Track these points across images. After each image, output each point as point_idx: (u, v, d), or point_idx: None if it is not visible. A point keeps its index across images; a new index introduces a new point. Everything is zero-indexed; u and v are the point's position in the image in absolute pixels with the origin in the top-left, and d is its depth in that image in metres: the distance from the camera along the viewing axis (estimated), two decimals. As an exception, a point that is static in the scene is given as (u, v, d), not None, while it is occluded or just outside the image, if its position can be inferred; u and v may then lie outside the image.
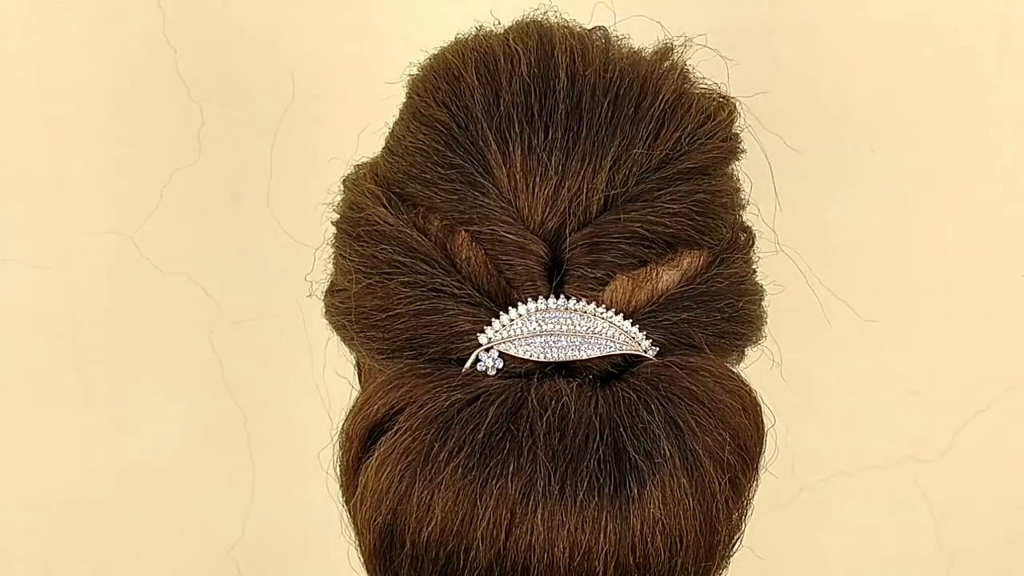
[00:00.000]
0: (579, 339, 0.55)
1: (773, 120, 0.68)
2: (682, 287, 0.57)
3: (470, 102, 0.57)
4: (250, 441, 1.12)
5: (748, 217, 0.62)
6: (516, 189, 0.55)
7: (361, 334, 0.57)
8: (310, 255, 0.64)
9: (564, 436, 0.52)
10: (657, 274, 0.57)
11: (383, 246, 0.57)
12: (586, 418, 0.53)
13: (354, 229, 0.58)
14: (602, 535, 0.52)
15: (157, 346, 1.10)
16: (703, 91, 0.60)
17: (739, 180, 0.61)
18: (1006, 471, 1.13)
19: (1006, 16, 1.04)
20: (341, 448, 0.57)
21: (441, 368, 0.55)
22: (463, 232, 0.56)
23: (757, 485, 0.57)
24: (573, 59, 0.57)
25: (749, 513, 0.57)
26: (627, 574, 0.53)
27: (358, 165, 0.62)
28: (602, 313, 0.55)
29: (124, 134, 1.06)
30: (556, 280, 0.55)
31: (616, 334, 0.55)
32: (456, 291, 0.55)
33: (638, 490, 0.52)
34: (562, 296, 0.55)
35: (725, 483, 0.54)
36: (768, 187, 0.65)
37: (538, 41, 0.58)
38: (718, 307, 0.57)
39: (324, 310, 0.62)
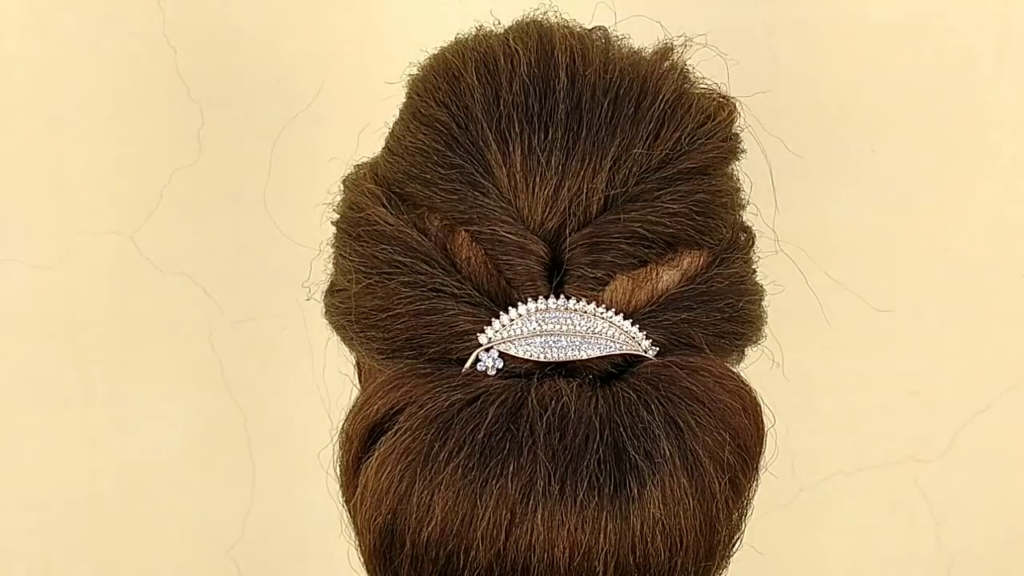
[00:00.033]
0: (579, 339, 0.54)
1: (773, 120, 0.68)
2: (682, 287, 0.57)
3: (470, 102, 0.57)
4: (250, 441, 1.12)
5: (748, 217, 0.62)
6: (516, 189, 0.55)
7: (361, 334, 0.57)
8: (310, 255, 0.64)
9: (564, 436, 0.52)
10: (657, 274, 0.57)
11: (383, 246, 0.56)
12: (586, 418, 0.53)
13: (354, 229, 0.58)
14: (602, 535, 0.52)
15: (157, 346, 1.10)
16: (703, 91, 0.60)
17: (739, 180, 0.61)
18: (1006, 471, 1.12)
19: (1006, 16, 1.04)
20: (341, 448, 0.57)
21: (441, 368, 0.55)
22: (463, 232, 0.56)
23: (757, 485, 0.57)
24: (573, 59, 0.57)
25: (749, 513, 0.57)
26: (627, 574, 0.53)
27: (358, 165, 0.62)
28: (602, 313, 0.55)
29: (124, 134, 1.05)
30: (556, 280, 0.55)
31: (616, 334, 0.55)
32: (456, 291, 0.55)
33: (638, 490, 0.52)
34: (562, 296, 0.55)
35: (725, 483, 0.54)
36: (768, 187, 0.65)
37: (538, 41, 0.58)
38: (718, 307, 0.57)
39: (324, 310, 0.62)
